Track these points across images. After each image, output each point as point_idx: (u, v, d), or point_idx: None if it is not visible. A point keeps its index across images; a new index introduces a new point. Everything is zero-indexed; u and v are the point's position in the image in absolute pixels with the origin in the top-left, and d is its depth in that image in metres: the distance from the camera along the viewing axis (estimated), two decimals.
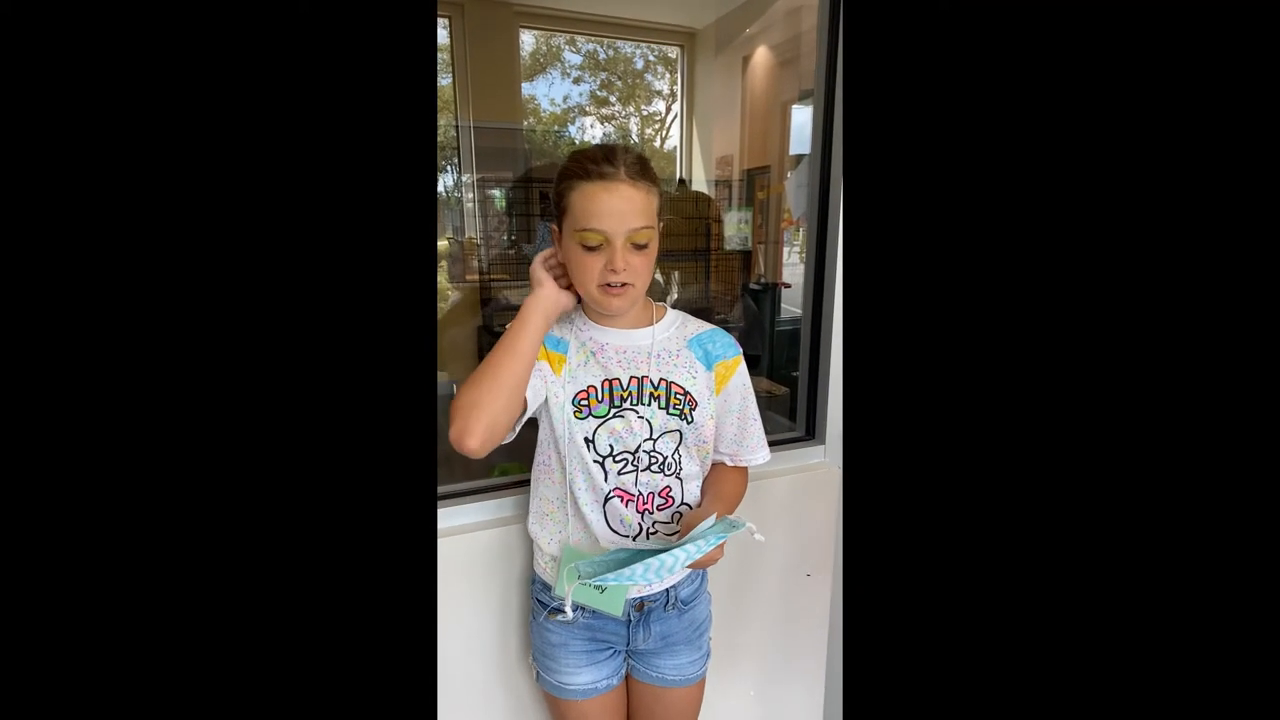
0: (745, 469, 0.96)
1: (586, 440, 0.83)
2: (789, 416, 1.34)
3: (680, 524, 0.85)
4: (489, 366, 0.77)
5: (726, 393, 0.89)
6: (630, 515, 0.85)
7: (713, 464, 0.94)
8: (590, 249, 0.78)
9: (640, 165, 0.79)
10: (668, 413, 0.84)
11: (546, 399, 0.84)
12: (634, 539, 0.86)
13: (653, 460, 0.85)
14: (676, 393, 0.85)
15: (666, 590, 0.89)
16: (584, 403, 0.83)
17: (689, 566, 0.73)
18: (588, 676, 0.90)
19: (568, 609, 0.75)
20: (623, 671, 0.94)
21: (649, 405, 0.84)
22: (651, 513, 0.86)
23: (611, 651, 0.92)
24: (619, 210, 0.77)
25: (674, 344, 0.87)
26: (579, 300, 0.89)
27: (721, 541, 0.73)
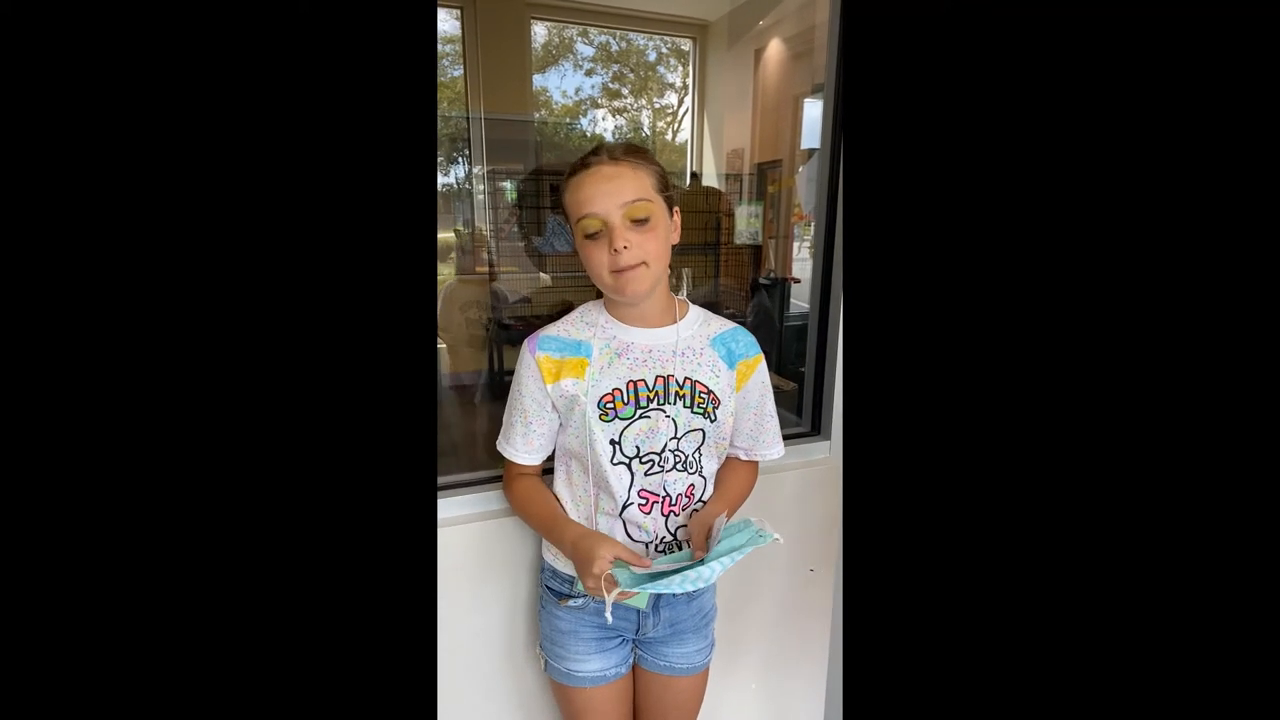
0: (756, 464, 0.97)
1: (613, 442, 0.83)
2: (795, 412, 1.35)
3: (691, 521, 0.86)
4: (530, 516, 0.92)
5: (746, 390, 0.90)
6: (649, 523, 0.85)
7: (726, 457, 0.95)
8: (592, 236, 0.78)
9: (623, 148, 0.80)
10: (692, 411, 0.85)
11: (571, 404, 0.84)
12: (649, 546, 0.87)
13: (677, 460, 0.85)
14: (701, 392, 0.85)
15: None
16: (609, 405, 0.83)
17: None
18: (596, 664, 0.92)
19: (609, 615, 0.77)
20: (630, 661, 0.96)
21: (674, 404, 0.84)
22: (677, 515, 0.87)
23: (620, 640, 0.93)
24: (605, 189, 0.77)
25: (698, 342, 0.88)
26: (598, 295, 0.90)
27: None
